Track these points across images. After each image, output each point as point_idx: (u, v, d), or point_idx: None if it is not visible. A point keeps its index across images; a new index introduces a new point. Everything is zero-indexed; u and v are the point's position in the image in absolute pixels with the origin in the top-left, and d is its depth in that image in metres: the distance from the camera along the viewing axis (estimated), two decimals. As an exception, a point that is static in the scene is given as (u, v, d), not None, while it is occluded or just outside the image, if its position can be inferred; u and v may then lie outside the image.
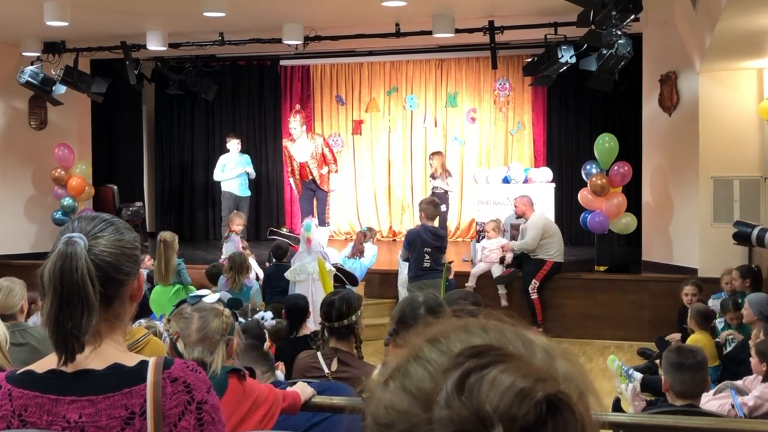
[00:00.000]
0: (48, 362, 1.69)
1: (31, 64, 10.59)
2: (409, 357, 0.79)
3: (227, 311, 2.83)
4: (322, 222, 11.01)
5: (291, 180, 11.40)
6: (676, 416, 2.92)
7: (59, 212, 11.46)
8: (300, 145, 11.12)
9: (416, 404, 0.74)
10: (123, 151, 13.11)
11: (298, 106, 12.33)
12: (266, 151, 13.02)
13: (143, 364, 1.67)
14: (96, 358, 1.65)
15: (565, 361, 0.79)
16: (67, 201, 11.48)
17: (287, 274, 7.68)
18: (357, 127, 12.80)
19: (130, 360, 1.68)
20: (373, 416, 0.78)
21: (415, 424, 0.74)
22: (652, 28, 9.53)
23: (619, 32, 7.58)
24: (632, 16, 7.40)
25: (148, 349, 3.91)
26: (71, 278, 1.59)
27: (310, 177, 11.11)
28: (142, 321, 4.99)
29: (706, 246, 9.01)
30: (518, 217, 9.47)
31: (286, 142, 11.50)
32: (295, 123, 11.03)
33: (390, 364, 0.81)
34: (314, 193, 11.14)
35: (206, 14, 8.54)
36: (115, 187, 12.25)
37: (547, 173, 10.83)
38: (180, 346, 2.72)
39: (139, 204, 12.47)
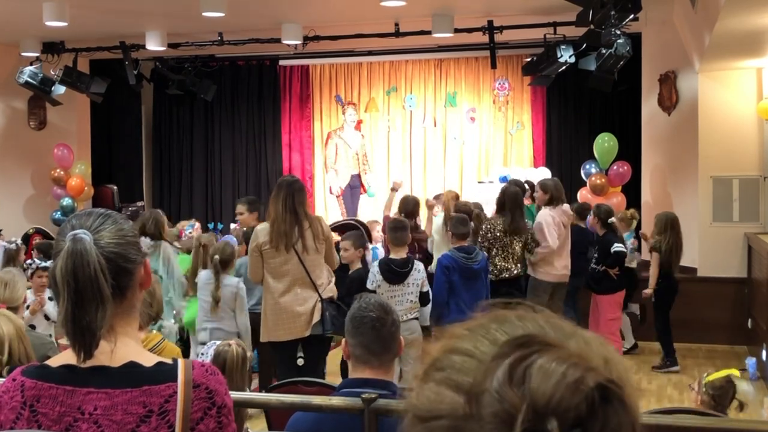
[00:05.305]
0: (62, 358, 1.70)
1: (30, 64, 10.60)
2: (448, 349, 0.77)
3: None
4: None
5: (329, 175, 12.14)
6: (676, 416, 2.92)
7: (58, 212, 11.47)
8: (349, 134, 12.01)
9: (461, 397, 0.72)
10: (122, 151, 13.11)
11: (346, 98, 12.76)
12: (265, 151, 13.02)
13: (162, 365, 1.68)
14: (111, 355, 1.66)
15: (600, 347, 0.78)
16: (67, 201, 11.48)
17: None
18: (356, 126, 12.80)
19: (147, 360, 1.69)
20: (414, 412, 0.75)
21: (462, 417, 0.72)
22: (651, 28, 9.53)
23: (618, 32, 7.58)
24: (631, 16, 7.41)
25: (165, 354, 3.93)
26: (84, 274, 1.61)
27: (358, 171, 11.61)
28: None
29: (706, 245, 9.00)
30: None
31: (336, 134, 12.26)
32: (351, 111, 11.67)
33: (427, 357, 0.78)
34: (351, 190, 11.80)
35: (205, 14, 8.54)
36: (115, 187, 12.26)
37: (545, 173, 10.83)
38: None
39: (139, 204, 12.46)
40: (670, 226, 7.81)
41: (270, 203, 5.46)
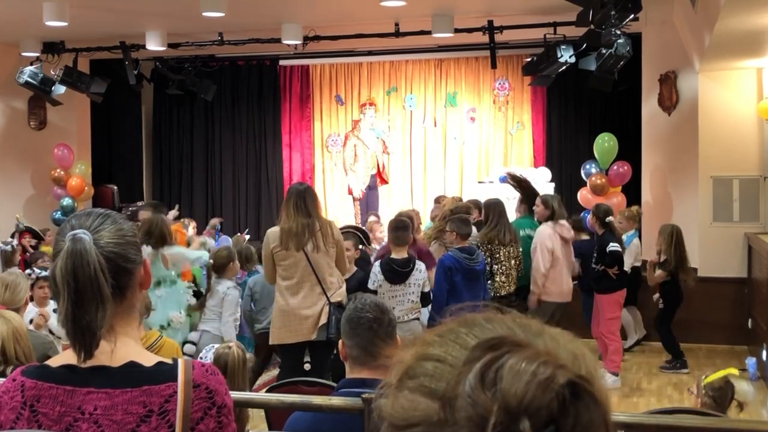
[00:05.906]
0: (62, 358, 1.70)
1: (31, 64, 10.60)
2: (420, 356, 0.78)
3: None
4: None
5: (349, 177, 12.31)
6: (676, 416, 2.92)
7: (58, 212, 11.46)
8: (367, 135, 12.27)
9: (435, 403, 0.73)
10: (122, 151, 13.11)
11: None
12: (265, 151, 13.02)
13: (162, 365, 1.68)
14: (111, 355, 1.66)
15: (569, 343, 0.78)
16: (67, 201, 11.48)
17: None
18: (356, 127, 12.79)
19: (147, 359, 1.69)
20: (390, 421, 0.76)
21: (436, 423, 0.72)
22: (652, 28, 9.53)
23: (619, 32, 7.59)
24: (631, 16, 7.41)
25: (163, 352, 3.92)
26: (84, 273, 1.61)
27: (376, 169, 11.95)
28: None
29: (706, 245, 9.00)
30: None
31: (353, 135, 12.42)
32: (371, 112, 12.09)
33: (399, 365, 0.79)
34: (370, 191, 12.02)
35: (205, 14, 8.54)
36: (115, 187, 12.26)
37: (545, 173, 10.84)
38: None
39: (139, 204, 12.45)
40: (675, 238, 7.80)
41: (282, 209, 5.55)
